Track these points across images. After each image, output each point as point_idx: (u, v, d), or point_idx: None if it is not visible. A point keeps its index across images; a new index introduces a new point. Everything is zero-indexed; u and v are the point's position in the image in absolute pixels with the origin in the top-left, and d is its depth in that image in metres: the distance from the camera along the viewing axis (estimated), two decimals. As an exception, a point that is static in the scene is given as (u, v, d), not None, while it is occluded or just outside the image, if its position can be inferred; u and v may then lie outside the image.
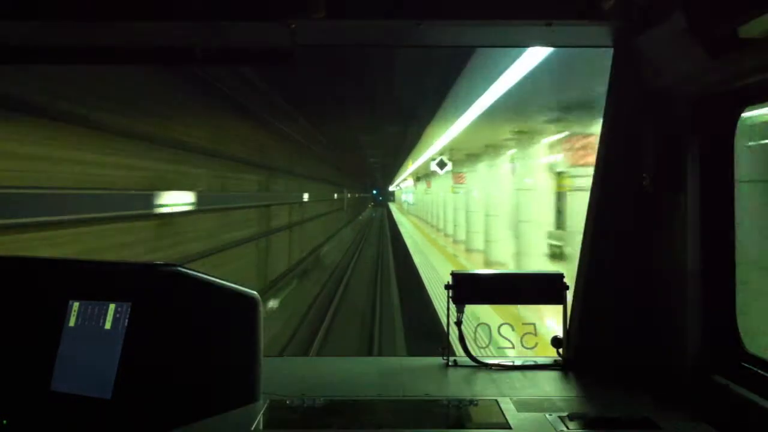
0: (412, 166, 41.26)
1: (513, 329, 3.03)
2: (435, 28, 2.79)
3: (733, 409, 2.17)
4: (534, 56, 9.22)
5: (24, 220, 6.49)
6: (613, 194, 2.84)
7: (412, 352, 14.81)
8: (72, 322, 2.29)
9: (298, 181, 27.10)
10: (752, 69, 2.09)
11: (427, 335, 11.96)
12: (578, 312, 2.87)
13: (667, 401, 2.43)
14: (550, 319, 2.96)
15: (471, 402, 2.45)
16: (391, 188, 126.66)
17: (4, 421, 2.19)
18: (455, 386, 2.67)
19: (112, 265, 2.68)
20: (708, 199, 2.47)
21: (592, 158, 2.97)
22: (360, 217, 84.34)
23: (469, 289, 2.95)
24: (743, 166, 2.52)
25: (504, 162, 17.17)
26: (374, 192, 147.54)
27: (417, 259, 25.39)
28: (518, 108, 11.88)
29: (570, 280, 2.91)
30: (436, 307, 14.56)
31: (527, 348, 3.00)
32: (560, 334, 2.91)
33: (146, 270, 2.28)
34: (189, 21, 2.63)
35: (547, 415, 2.27)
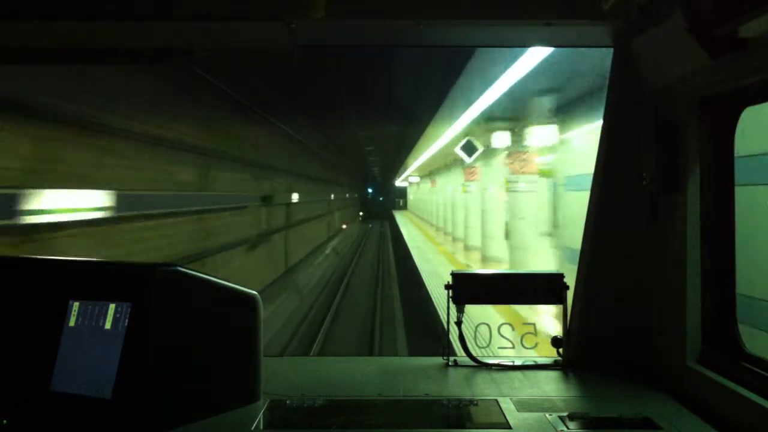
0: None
1: (513, 329, 3.02)
2: (435, 28, 2.79)
3: (732, 408, 2.17)
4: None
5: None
6: (613, 194, 2.84)
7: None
8: (72, 322, 2.29)
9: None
10: (752, 69, 2.09)
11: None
12: (578, 312, 2.87)
13: (667, 401, 2.43)
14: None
15: (471, 402, 2.46)
16: (398, 182, 77.03)
17: (4, 421, 2.19)
18: (455, 386, 2.67)
19: (112, 265, 2.68)
20: (708, 198, 2.47)
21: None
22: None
23: (469, 289, 2.95)
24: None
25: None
26: (370, 190, 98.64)
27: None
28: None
29: (570, 280, 2.91)
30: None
31: (527, 348, 3.00)
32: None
33: (146, 270, 2.28)
34: (189, 21, 2.63)
35: (547, 415, 2.27)
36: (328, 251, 37.68)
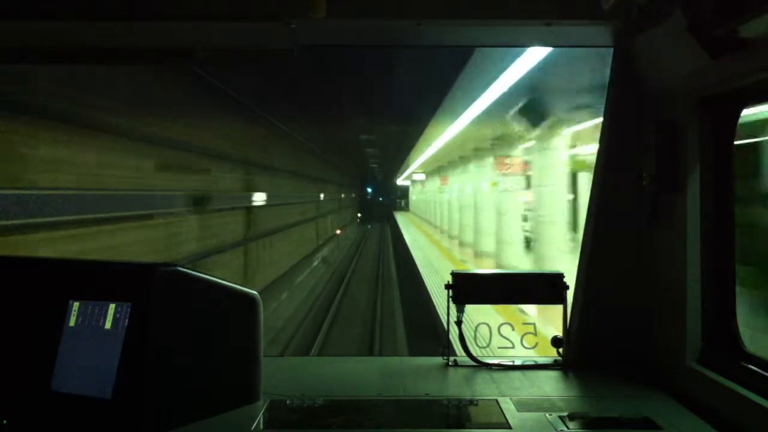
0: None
1: (513, 329, 3.03)
2: (435, 28, 2.79)
3: (732, 408, 2.17)
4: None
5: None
6: (613, 194, 2.84)
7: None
8: (72, 322, 2.29)
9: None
10: (752, 69, 2.09)
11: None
12: (578, 312, 2.87)
13: (667, 401, 2.43)
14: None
15: (471, 402, 2.46)
16: (400, 181, 68.75)
17: (4, 421, 2.19)
18: (455, 386, 2.67)
19: (112, 265, 2.68)
20: (708, 198, 2.47)
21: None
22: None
23: (469, 288, 2.95)
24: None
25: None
26: (369, 190, 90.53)
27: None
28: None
29: (570, 280, 2.91)
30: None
31: (527, 348, 3.00)
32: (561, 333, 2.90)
33: (146, 270, 2.27)
34: (189, 21, 2.63)
35: (547, 415, 2.27)
36: (315, 264, 29.64)
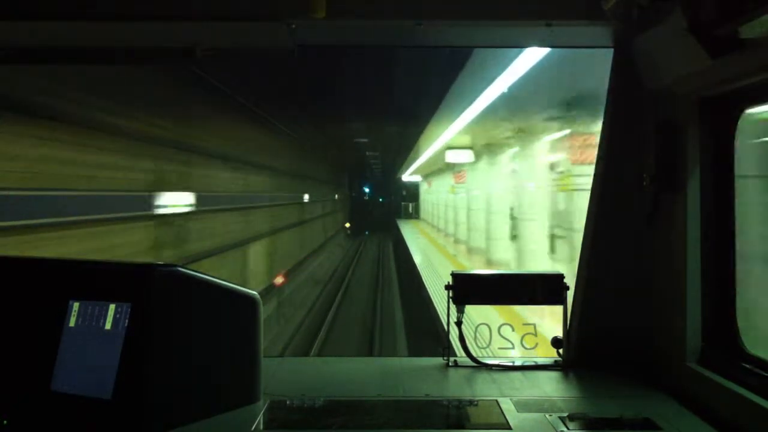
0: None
1: (513, 329, 3.03)
2: (435, 28, 2.79)
3: (732, 408, 2.17)
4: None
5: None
6: (613, 194, 2.84)
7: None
8: (72, 322, 2.29)
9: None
10: (752, 69, 2.09)
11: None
12: (578, 312, 2.87)
13: (667, 401, 2.43)
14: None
15: (471, 402, 2.46)
16: (406, 177, 46.76)
17: (4, 421, 2.19)
18: (455, 386, 2.67)
19: (112, 265, 2.68)
20: (708, 198, 2.47)
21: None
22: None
23: (469, 289, 2.95)
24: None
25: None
26: (366, 189, 75.54)
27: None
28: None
29: (570, 280, 2.91)
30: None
31: (527, 348, 3.00)
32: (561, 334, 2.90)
33: (146, 270, 2.27)
34: (189, 21, 2.63)
35: (547, 416, 2.27)
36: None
